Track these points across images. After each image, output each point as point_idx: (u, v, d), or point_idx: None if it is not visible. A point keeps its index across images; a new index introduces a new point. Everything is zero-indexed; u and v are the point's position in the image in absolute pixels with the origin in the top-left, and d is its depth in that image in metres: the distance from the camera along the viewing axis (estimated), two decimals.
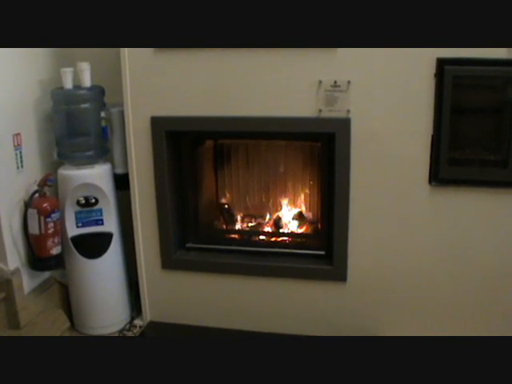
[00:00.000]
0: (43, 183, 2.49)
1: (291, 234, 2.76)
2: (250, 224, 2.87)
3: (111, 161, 2.66)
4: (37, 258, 2.51)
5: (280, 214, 2.81)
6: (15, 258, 2.47)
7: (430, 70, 2.16)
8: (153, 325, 2.71)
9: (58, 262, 2.56)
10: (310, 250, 2.60)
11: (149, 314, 2.73)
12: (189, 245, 2.70)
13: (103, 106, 2.59)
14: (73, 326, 2.72)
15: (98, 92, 2.57)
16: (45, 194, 2.50)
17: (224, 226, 2.88)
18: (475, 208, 2.28)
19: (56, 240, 2.51)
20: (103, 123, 2.59)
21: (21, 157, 2.47)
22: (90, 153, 2.58)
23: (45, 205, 2.46)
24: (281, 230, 2.78)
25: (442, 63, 2.15)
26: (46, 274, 2.68)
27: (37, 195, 2.48)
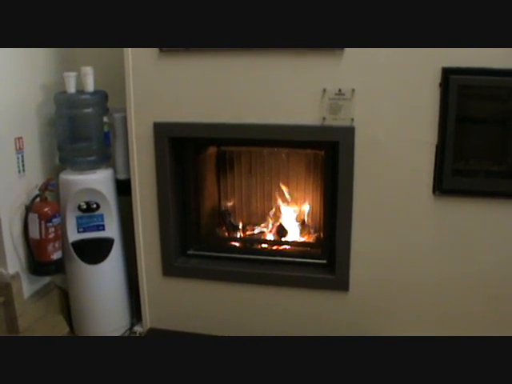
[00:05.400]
0: (44, 187, 2.48)
1: (293, 243, 2.74)
2: (252, 232, 2.85)
3: (113, 166, 2.65)
4: (37, 263, 2.50)
5: (282, 222, 2.80)
6: (15, 263, 2.46)
7: (435, 79, 2.15)
8: (153, 332, 2.69)
9: (59, 267, 2.55)
10: (311, 258, 2.58)
11: (149, 320, 2.71)
12: (190, 252, 2.68)
13: (106, 111, 2.58)
14: (72, 331, 2.70)
15: (101, 97, 2.56)
16: (46, 198, 2.49)
17: (226, 234, 2.86)
18: (479, 218, 2.26)
19: (56, 245, 2.49)
20: (106, 128, 2.58)
21: (22, 161, 2.47)
22: (92, 158, 2.57)
23: (46, 209, 2.45)
24: (283, 239, 2.76)
25: (447, 72, 2.13)
26: (46, 279, 2.67)
27: (38, 199, 2.47)
